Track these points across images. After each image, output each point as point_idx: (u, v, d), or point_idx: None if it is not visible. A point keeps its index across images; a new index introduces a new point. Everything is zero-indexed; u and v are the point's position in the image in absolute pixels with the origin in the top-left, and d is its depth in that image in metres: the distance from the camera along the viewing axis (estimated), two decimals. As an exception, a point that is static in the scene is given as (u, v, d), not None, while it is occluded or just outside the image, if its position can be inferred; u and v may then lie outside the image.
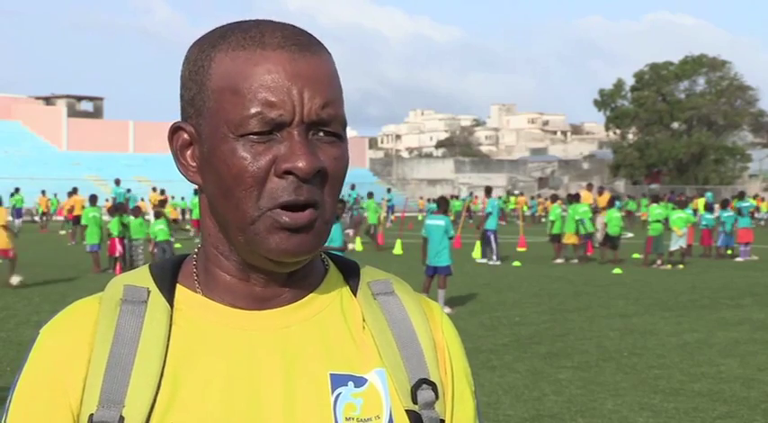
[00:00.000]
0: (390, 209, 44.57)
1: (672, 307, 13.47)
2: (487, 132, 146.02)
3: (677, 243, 21.10)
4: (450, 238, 12.91)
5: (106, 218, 19.18)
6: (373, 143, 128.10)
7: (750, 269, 20.25)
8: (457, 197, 50.35)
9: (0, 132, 65.36)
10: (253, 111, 1.03)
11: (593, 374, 8.56)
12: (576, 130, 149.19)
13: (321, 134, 1.06)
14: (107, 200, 32.66)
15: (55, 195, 43.85)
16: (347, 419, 1.08)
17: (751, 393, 7.84)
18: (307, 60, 1.05)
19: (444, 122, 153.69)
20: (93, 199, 20.18)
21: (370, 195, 31.80)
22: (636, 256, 22.62)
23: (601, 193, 32.84)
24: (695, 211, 32.36)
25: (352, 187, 40.51)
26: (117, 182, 36.91)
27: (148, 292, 1.11)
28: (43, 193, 42.07)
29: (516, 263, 21.04)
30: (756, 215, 42.54)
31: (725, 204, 25.17)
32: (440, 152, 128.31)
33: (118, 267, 18.02)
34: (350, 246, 23.29)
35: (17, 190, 39.38)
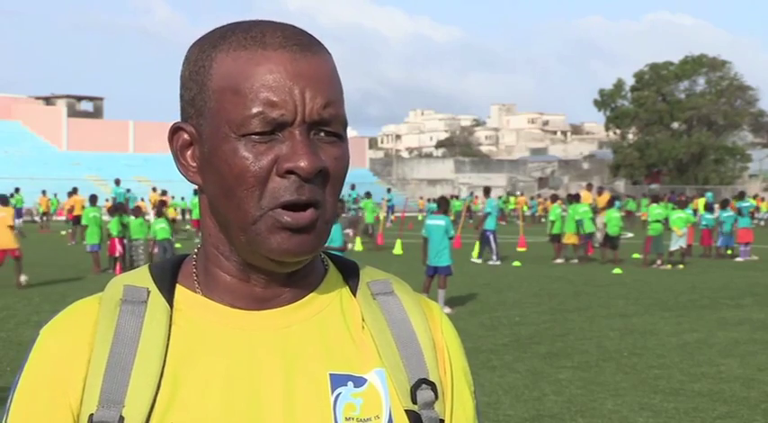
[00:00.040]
0: (390, 209, 44.58)
1: (672, 307, 13.47)
2: (487, 132, 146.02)
3: (677, 243, 21.10)
4: (451, 239, 12.91)
5: (106, 218, 19.20)
6: (373, 143, 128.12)
7: (750, 269, 20.25)
8: (457, 197, 50.36)
9: (0, 132, 65.38)
10: (254, 111, 1.03)
11: (593, 374, 8.56)
12: (576, 130, 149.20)
13: (322, 134, 1.06)
14: (107, 200, 32.67)
15: (55, 195, 43.87)
16: (347, 419, 1.08)
17: (751, 393, 7.84)
18: (308, 60, 1.05)
19: (444, 122, 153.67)
20: (93, 199, 20.20)
21: (368, 195, 31.84)
22: (636, 256, 22.62)
23: (600, 193, 32.87)
24: (695, 211, 32.36)
25: (353, 187, 40.55)
26: (117, 182, 36.92)
27: (148, 292, 1.11)
28: (44, 193, 42.08)
29: (516, 263, 21.04)
30: (756, 215, 42.55)
31: (725, 204, 25.17)
32: (440, 152, 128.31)
33: (118, 267, 18.03)
34: (349, 245, 23.29)
35: (17, 190, 39.40)
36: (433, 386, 1.12)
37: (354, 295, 1.17)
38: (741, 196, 27.79)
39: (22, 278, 15.41)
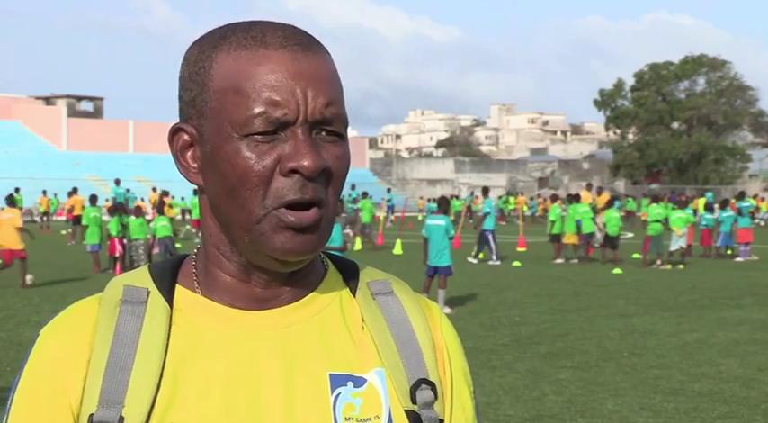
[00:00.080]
0: (390, 209, 44.60)
1: (672, 307, 13.47)
2: (487, 132, 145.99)
3: (677, 243, 21.10)
4: (451, 239, 12.91)
5: (106, 218, 19.21)
6: (373, 143, 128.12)
7: (750, 269, 20.25)
8: (457, 197, 50.37)
9: (0, 132, 65.38)
10: (257, 110, 1.03)
11: (593, 374, 8.56)
12: (576, 130, 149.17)
13: (323, 133, 1.06)
14: (107, 200, 32.68)
15: (55, 195, 43.87)
16: (347, 419, 1.08)
17: (751, 393, 7.84)
18: (309, 60, 1.06)
19: (444, 122, 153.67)
20: (93, 199, 20.21)
21: (365, 195, 31.88)
22: (636, 256, 22.61)
23: (600, 193, 32.90)
24: (695, 211, 32.36)
25: (353, 187, 40.55)
26: (117, 182, 36.92)
27: (148, 292, 1.11)
28: (44, 193, 42.08)
29: (516, 263, 21.04)
30: (756, 215, 42.55)
31: (724, 204, 25.17)
32: (440, 152, 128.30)
33: (118, 267, 18.03)
34: (348, 246, 23.30)
35: (17, 190, 39.36)
36: (432, 386, 1.12)
37: (354, 295, 1.18)
38: (741, 196, 27.80)
39: (28, 278, 15.48)
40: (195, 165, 1.10)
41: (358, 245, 26.04)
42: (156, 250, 18.50)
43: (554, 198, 25.44)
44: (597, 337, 10.65)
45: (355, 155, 66.00)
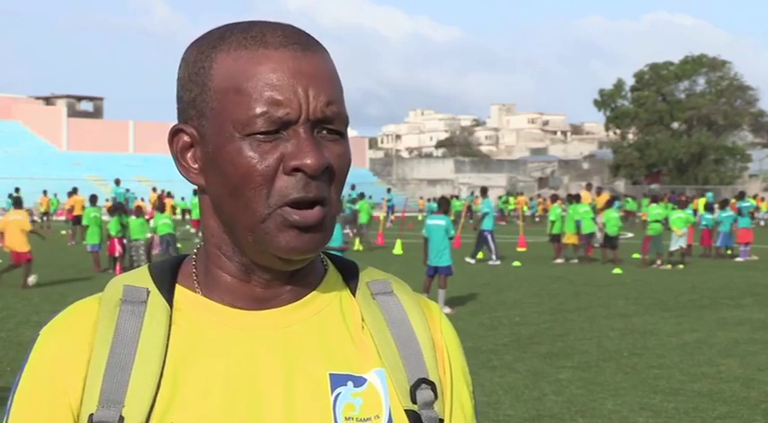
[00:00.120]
0: (390, 209, 44.60)
1: (672, 307, 13.47)
2: (487, 132, 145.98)
3: (677, 243, 21.10)
4: (451, 239, 12.91)
5: (106, 218, 19.21)
6: (373, 143, 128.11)
7: (750, 269, 20.25)
8: (457, 197, 50.37)
9: (0, 132, 65.39)
10: (259, 110, 1.03)
11: (593, 374, 8.56)
12: (576, 130, 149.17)
13: (324, 132, 1.06)
14: (107, 200, 32.69)
15: (55, 195, 43.87)
16: (347, 419, 1.08)
17: (751, 393, 7.85)
18: (309, 59, 1.06)
19: (444, 122, 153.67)
20: (93, 199, 20.23)
21: (362, 196, 31.89)
22: (636, 256, 22.61)
23: (599, 193, 32.90)
24: (695, 211, 32.36)
25: (353, 187, 40.54)
26: (117, 182, 36.93)
27: (148, 292, 1.11)
28: (44, 193, 42.09)
29: (516, 263, 21.04)
30: (756, 215, 42.54)
31: (724, 204, 25.18)
32: (440, 152, 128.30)
33: (118, 267, 18.03)
34: (348, 245, 23.29)
35: (17, 190, 39.37)
36: (432, 386, 1.12)
37: (354, 295, 1.18)
38: (741, 196, 27.81)
39: (30, 279, 15.46)
40: (196, 165, 1.10)
41: (358, 245, 26.04)
42: (156, 250, 18.51)
43: (554, 198, 25.45)
44: (597, 337, 10.65)
45: (355, 155, 65.95)
